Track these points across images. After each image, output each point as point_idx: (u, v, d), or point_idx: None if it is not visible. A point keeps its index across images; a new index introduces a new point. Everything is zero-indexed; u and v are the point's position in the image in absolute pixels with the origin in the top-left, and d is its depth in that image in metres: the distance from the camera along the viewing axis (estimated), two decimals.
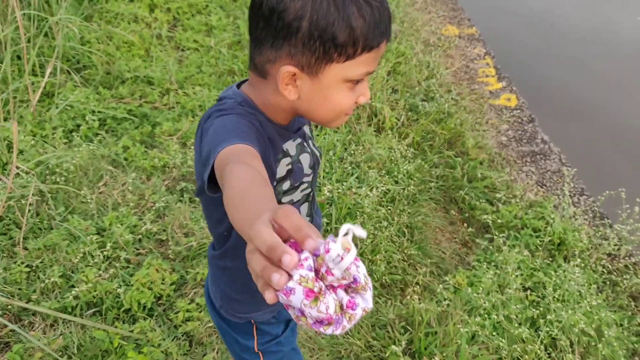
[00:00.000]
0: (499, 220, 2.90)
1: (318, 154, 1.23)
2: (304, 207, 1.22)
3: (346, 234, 0.58)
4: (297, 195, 1.17)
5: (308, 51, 0.93)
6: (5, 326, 1.62)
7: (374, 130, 3.31)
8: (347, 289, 0.60)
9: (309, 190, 1.20)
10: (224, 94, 1.10)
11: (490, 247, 2.75)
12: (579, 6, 5.66)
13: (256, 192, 0.72)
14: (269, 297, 0.56)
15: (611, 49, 4.96)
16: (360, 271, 0.58)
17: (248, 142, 0.90)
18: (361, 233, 0.59)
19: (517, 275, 2.49)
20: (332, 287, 0.59)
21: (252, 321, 1.30)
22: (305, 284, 0.55)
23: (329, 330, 0.60)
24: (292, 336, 1.42)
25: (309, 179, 1.18)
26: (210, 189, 0.88)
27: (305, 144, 1.17)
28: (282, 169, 1.09)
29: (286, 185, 1.12)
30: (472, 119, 3.69)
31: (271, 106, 1.05)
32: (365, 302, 0.60)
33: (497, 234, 2.79)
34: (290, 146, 1.12)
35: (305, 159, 1.15)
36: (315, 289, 0.56)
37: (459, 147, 3.40)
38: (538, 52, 4.82)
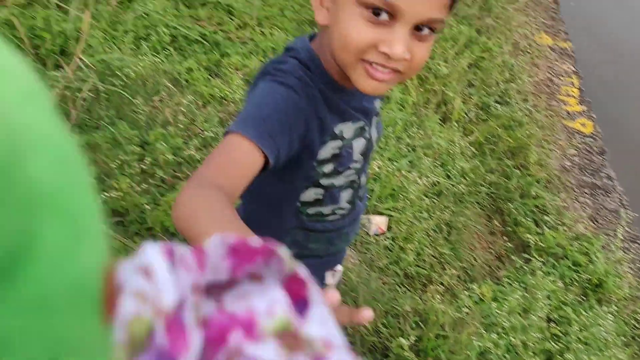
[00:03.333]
0: (541, 244, 2.77)
1: (376, 137, 1.10)
2: (346, 193, 1.09)
3: None
4: (339, 180, 1.04)
5: None
6: None
7: (440, 119, 3.19)
8: None
9: (356, 176, 1.08)
10: (293, 44, 0.98)
11: (525, 268, 2.63)
12: None
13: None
14: None
15: None
16: None
17: (265, 145, 0.79)
18: None
19: (545, 304, 2.38)
20: None
21: None
22: None
23: None
24: None
25: (358, 165, 1.05)
26: None
27: (367, 127, 1.03)
28: (327, 151, 0.97)
29: (328, 168, 1.00)
30: (541, 135, 3.52)
31: (327, 55, 0.91)
32: None
33: (535, 256, 2.67)
34: (347, 128, 0.99)
35: (358, 145, 1.02)
36: None
37: (521, 159, 3.25)
38: (628, 88, 4.55)
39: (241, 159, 0.78)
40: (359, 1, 0.78)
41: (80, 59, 2.32)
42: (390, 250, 2.41)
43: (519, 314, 2.31)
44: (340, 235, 1.17)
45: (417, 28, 0.80)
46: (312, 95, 0.90)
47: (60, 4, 2.64)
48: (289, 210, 1.06)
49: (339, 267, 1.32)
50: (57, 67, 2.52)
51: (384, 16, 0.78)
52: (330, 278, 1.32)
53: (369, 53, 0.81)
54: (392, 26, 0.79)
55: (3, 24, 2.46)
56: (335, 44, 0.84)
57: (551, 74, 4.11)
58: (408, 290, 2.30)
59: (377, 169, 2.56)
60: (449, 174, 2.82)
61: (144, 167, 2.17)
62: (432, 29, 0.82)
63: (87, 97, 2.34)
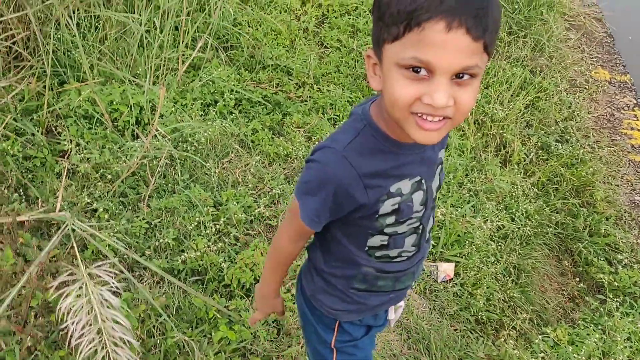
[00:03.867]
0: (616, 283, 2.71)
1: (437, 186, 1.17)
2: (411, 238, 1.17)
3: None
4: (402, 228, 1.13)
5: (374, 30, 0.92)
6: (122, 272, 1.74)
7: (500, 162, 3.21)
8: None
9: (418, 223, 1.16)
10: (355, 109, 1.10)
11: (601, 309, 2.57)
12: None
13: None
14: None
15: None
16: None
17: (313, 226, 1.12)
18: None
19: (625, 347, 2.32)
20: None
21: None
22: None
23: None
24: (370, 344, 1.40)
25: (419, 214, 1.14)
26: None
27: (424, 180, 1.10)
28: (386, 207, 1.07)
29: (390, 220, 1.09)
30: (607, 171, 3.47)
31: (385, 115, 1.01)
32: None
33: (610, 296, 2.61)
34: (404, 185, 1.07)
35: (417, 197, 1.10)
36: None
37: (586, 197, 3.21)
38: None
39: (303, 231, 1.16)
40: (399, 64, 0.88)
41: (156, 129, 2.49)
42: (459, 296, 2.43)
43: (599, 357, 2.26)
44: (407, 274, 1.25)
45: (458, 76, 0.88)
46: (358, 173, 1.02)
47: (134, 79, 2.86)
48: (359, 253, 1.17)
49: (402, 303, 1.39)
50: (134, 136, 2.72)
51: (423, 72, 0.87)
52: (392, 313, 1.38)
53: (416, 106, 0.90)
54: (431, 79, 0.87)
55: (86, 101, 2.68)
56: (387, 103, 0.94)
57: (612, 108, 4.07)
58: (480, 336, 2.30)
59: (441, 216, 2.60)
60: (513, 216, 2.83)
61: (218, 226, 2.29)
62: (471, 75, 0.89)
63: (163, 164, 2.51)
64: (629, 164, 3.67)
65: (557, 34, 4.35)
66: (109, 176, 2.41)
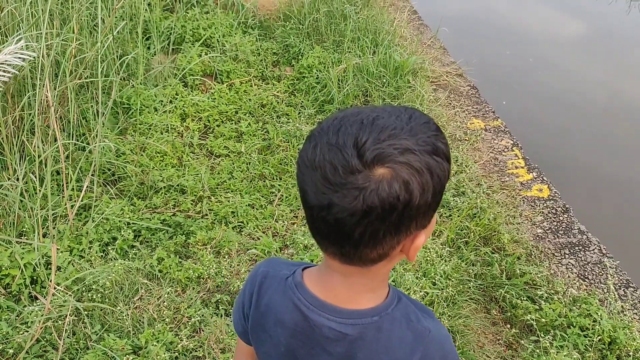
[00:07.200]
0: (543, 320, 2.79)
1: None
2: None
3: None
4: None
5: (432, 211, 0.88)
6: None
7: None
8: None
9: None
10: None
11: (537, 350, 2.62)
12: (598, 82, 5.77)
13: None
14: None
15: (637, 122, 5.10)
16: None
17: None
18: None
19: None
20: None
21: None
22: None
23: None
24: None
25: None
26: None
27: None
28: None
29: None
30: (506, 212, 3.64)
31: (371, 282, 0.97)
32: None
33: (542, 335, 2.67)
34: None
35: None
36: None
37: (495, 242, 3.33)
38: (565, 134, 4.87)
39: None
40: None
41: (55, 286, 2.35)
42: None
43: None
44: None
45: None
46: None
47: (21, 239, 2.71)
48: None
49: None
50: (32, 298, 2.54)
51: None
52: None
53: None
54: None
55: None
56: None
57: (494, 152, 4.32)
58: None
59: None
60: (433, 281, 2.87)
61: None
62: None
63: (69, 320, 2.35)
64: (523, 200, 3.87)
65: (427, 97, 4.63)
66: (10, 351, 2.22)
